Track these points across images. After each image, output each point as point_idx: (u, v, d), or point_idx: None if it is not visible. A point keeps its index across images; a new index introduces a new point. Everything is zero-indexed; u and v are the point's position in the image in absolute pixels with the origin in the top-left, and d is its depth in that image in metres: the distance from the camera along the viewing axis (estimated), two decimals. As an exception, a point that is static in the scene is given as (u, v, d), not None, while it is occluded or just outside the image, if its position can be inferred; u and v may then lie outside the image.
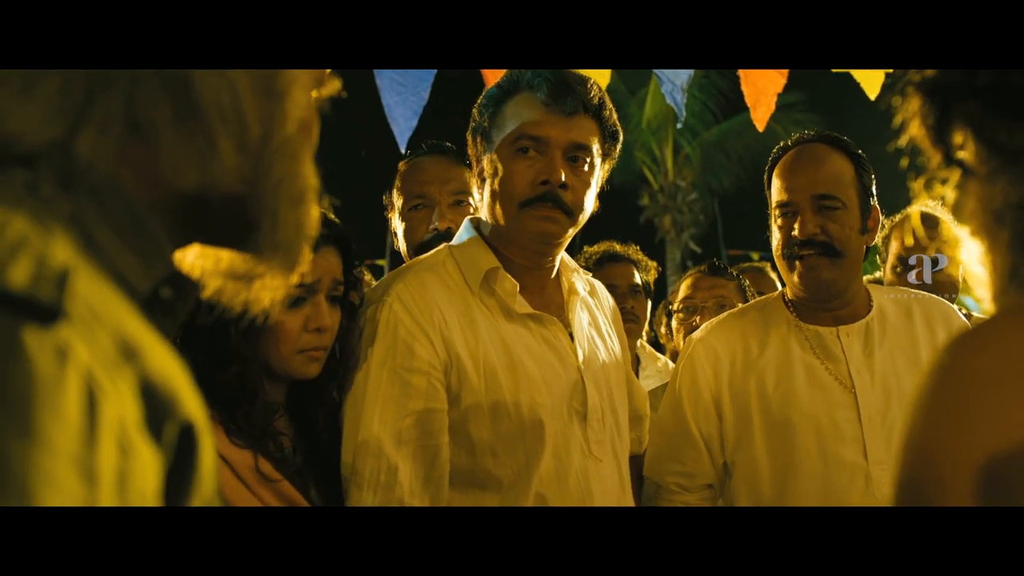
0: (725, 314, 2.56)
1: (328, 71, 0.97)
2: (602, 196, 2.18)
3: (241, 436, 1.80)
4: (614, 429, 2.15)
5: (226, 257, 0.93)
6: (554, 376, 2.04)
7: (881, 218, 2.42)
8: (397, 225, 2.82)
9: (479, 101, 2.12)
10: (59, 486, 0.64)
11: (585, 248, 3.73)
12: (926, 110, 0.92)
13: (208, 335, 1.79)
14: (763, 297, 2.60)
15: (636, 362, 3.69)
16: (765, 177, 2.46)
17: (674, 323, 3.61)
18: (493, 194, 2.06)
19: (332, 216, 1.97)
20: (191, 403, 0.79)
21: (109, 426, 0.68)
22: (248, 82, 0.85)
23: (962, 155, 0.91)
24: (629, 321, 3.53)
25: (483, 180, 2.09)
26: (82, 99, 0.80)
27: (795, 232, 2.31)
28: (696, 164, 20.83)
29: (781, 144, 2.47)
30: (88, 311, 0.71)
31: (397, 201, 2.81)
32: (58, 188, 0.78)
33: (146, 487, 0.71)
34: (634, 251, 3.72)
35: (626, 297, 3.51)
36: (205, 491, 0.80)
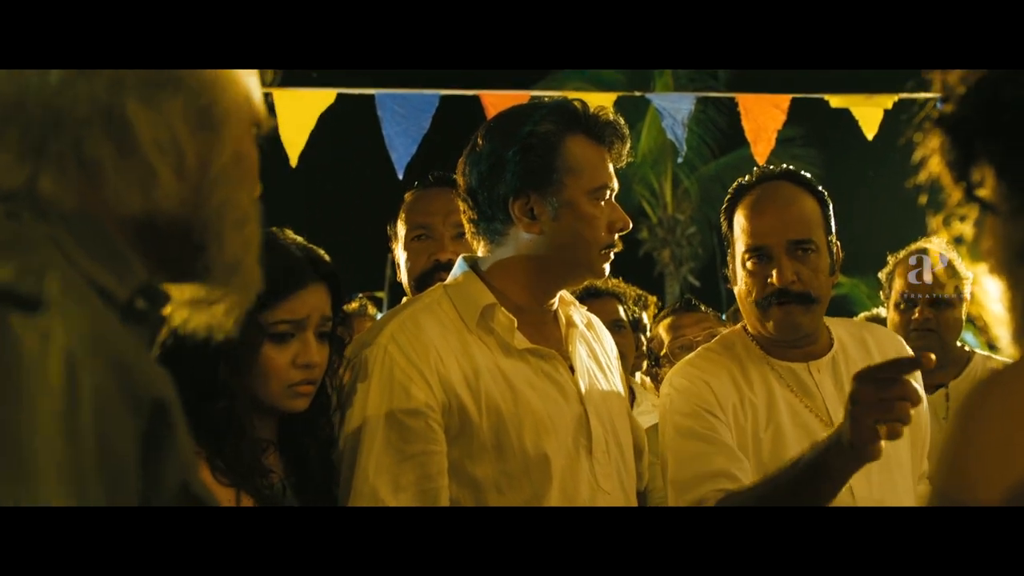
0: (694, 353, 2.43)
1: (263, 108, 1.10)
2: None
3: (227, 474, 1.79)
4: (620, 461, 2.12)
5: (188, 288, 1.05)
6: (557, 410, 2.01)
7: (841, 255, 2.37)
8: (399, 255, 2.81)
9: (526, 136, 2.03)
10: (47, 445, 0.76)
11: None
12: (948, 146, 0.91)
13: (195, 368, 1.77)
14: (724, 334, 2.49)
15: (631, 397, 3.65)
16: (723, 214, 2.38)
17: (663, 372, 3.42)
18: (569, 235, 2.03)
19: (322, 252, 1.97)
20: (163, 385, 0.91)
21: (88, 395, 0.79)
22: (183, 118, 0.97)
23: (982, 192, 0.90)
24: None
25: (532, 217, 2.02)
26: (38, 142, 0.92)
27: (772, 279, 2.24)
28: (695, 198, 20.90)
29: (740, 180, 2.39)
30: (66, 303, 0.83)
31: (400, 231, 2.80)
32: (36, 215, 0.91)
33: (125, 450, 0.83)
34: (616, 285, 3.65)
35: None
36: (180, 461, 0.92)
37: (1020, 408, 0.80)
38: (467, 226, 2.12)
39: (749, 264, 2.29)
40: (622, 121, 2.11)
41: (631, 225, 2.10)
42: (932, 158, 0.91)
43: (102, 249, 0.94)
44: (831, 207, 2.34)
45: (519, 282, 2.07)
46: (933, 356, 1.85)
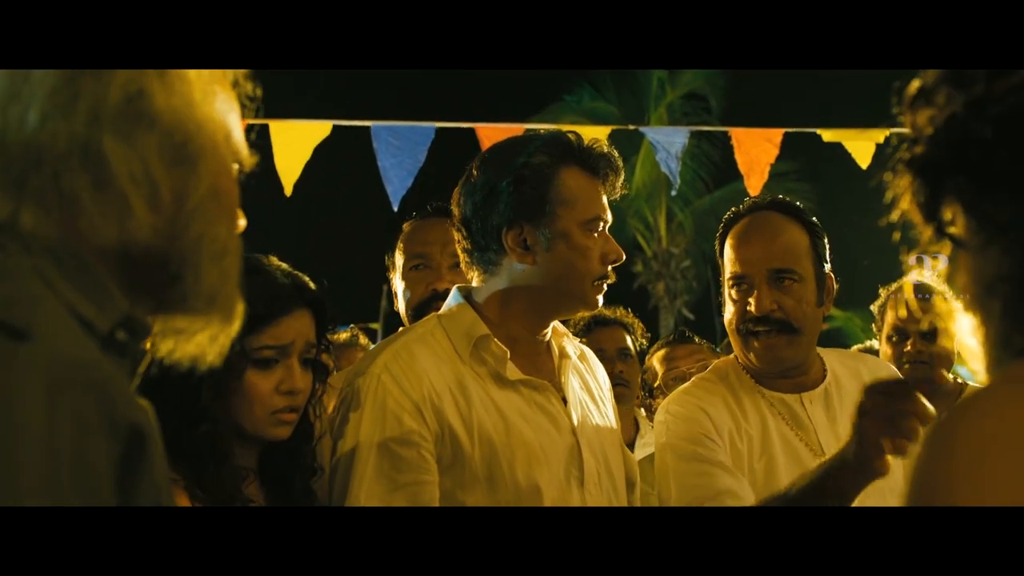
0: (689, 382, 2.42)
1: (244, 145, 1.13)
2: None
3: (205, 502, 1.77)
4: (612, 493, 2.13)
5: (171, 319, 1.08)
6: (549, 442, 2.02)
7: (836, 286, 2.36)
8: (397, 285, 2.82)
9: (520, 167, 2.05)
10: (27, 461, 0.81)
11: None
12: (917, 186, 0.93)
13: (178, 394, 1.76)
14: (717, 364, 2.47)
15: (635, 427, 3.65)
16: (716, 243, 2.40)
17: (657, 404, 3.41)
18: (561, 266, 2.04)
19: (307, 279, 1.97)
20: (141, 411, 0.94)
21: (66, 418, 0.84)
22: (157, 153, 1.01)
23: (953, 230, 0.92)
24: (619, 385, 3.48)
25: (525, 248, 2.04)
26: (20, 178, 0.97)
27: (750, 307, 2.25)
28: (689, 231, 20.93)
29: (733, 210, 2.40)
30: (51, 333, 0.88)
31: (398, 261, 2.81)
32: (21, 248, 0.95)
33: (100, 472, 0.86)
34: (623, 314, 3.68)
35: (615, 362, 3.47)
36: (156, 484, 0.95)
37: (986, 438, 0.82)
38: (461, 256, 2.13)
39: (732, 292, 2.30)
40: (616, 154, 2.13)
41: (624, 257, 2.12)
42: (903, 197, 0.93)
43: (84, 280, 0.98)
44: (823, 239, 2.33)
45: (513, 312, 2.08)
46: (946, 372, 1.83)
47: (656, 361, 3.43)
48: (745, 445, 2.26)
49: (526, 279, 2.06)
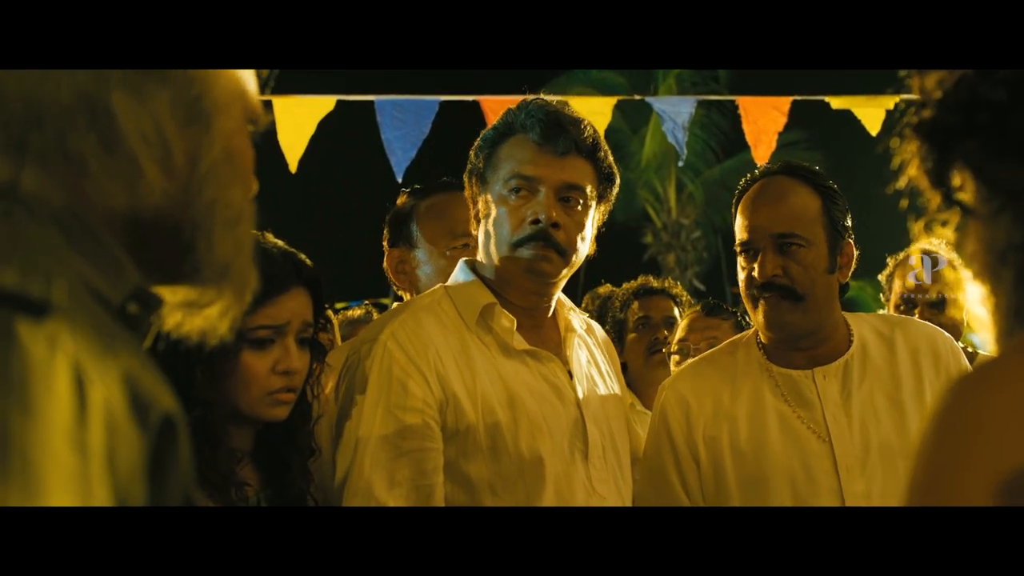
0: (695, 359, 2.41)
1: (259, 103, 1.06)
2: (605, 234, 2.17)
3: (201, 485, 1.76)
4: (616, 467, 2.12)
5: (180, 291, 1.01)
6: (553, 414, 2.02)
7: (855, 253, 2.27)
8: (425, 263, 2.74)
9: (475, 144, 2.12)
10: (56, 457, 0.73)
11: (608, 286, 3.73)
12: (925, 152, 0.90)
13: (171, 376, 1.75)
14: (735, 338, 2.45)
15: None
16: (732, 211, 2.35)
17: (672, 366, 3.46)
18: (487, 234, 2.07)
19: (304, 257, 1.95)
20: (169, 397, 0.87)
21: (96, 407, 0.76)
22: (170, 110, 0.93)
23: (962, 196, 0.89)
24: (664, 352, 3.49)
25: (479, 221, 2.10)
26: (19, 138, 0.88)
27: (755, 273, 2.19)
28: (699, 202, 20.87)
29: (748, 176, 2.34)
30: (71, 308, 0.80)
31: (430, 237, 2.72)
32: (27, 215, 0.87)
33: (132, 465, 0.79)
34: (671, 284, 3.75)
35: (660, 328, 3.52)
36: (183, 476, 0.88)
37: (990, 411, 0.79)
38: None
39: (741, 260, 2.25)
40: (575, 116, 2.08)
41: (547, 214, 2.00)
42: (910, 163, 0.90)
43: (94, 249, 0.90)
44: (840, 203, 2.25)
45: (503, 282, 2.08)
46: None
47: (681, 327, 3.44)
48: (727, 432, 2.20)
49: (481, 251, 2.11)
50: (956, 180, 0.89)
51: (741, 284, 2.26)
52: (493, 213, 2.05)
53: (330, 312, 2.18)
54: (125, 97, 0.91)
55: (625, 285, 3.73)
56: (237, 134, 1.01)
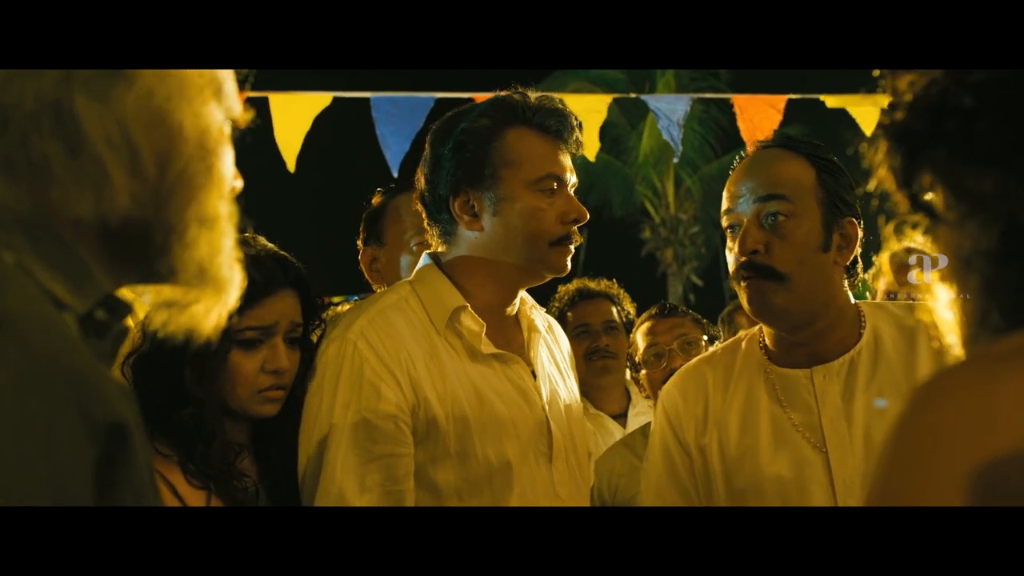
0: (694, 360, 2.22)
1: (237, 101, 1.03)
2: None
3: (198, 477, 1.80)
4: (576, 467, 2.10)
5: (165, 290, 0.99)
6: (521, 417, 1.99)
7: (860, 234, 1.96)
8: (395, 260, 2.70)
9: (459, 134, 2.02)
10: None
11: (559, 287, 3.66)
12: (893, 155, 0.90)
13: (163, 375, 1.78)
14: (738, 336, 2.17)
15: (627, 398, 3.63)
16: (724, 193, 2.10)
17: (643, 377, 3.25)
18: (511, 230, 1.99)
19: (292, 258, 1.96)
20: (121, 404, 0.85)
21: (38, 420, 0.76)
22: (136, 114, 0.91)
23: (930, 201, 0.90)
24: (606, 358, 3.45)
25: (474, 215, 2.00)
26: None
27: (735, 250, 1.93)
28: (697, 197, 20.85)
29: (740, 154, 2.09)
30: (20, 320, 0.79)
31: (396, 234, 2.70)
32: None
33: (77, 477, 0.78)
34: (608, 285, 3.65)
35: (600, 335, 3.46)
36: (138, 482, 0.86)
37: (939, 428, 0.80)
38: (426, 229, 2.11)
39: (728, 242, 1.99)
40: (569, 109, 2.07)
41: (587, 215, 2.03)
42: (880, 166, 0.91)
43: (59, 257, 0.89)
44: (840, 178, 1.96)
45: (478, 282, 2.03)
46: None
47: (639, 335, 3.38)
48: (716, 439, 2.01)
49: (481, 247, 2.02)
50: (924, 184, 0.90)
51: (730, 269, 2.01)
52: (525, 211, 1.98)
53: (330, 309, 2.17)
54: (89, 102, 0.89)
55: (562, 288, 3.61)
56: (211, 133, 0.98)
